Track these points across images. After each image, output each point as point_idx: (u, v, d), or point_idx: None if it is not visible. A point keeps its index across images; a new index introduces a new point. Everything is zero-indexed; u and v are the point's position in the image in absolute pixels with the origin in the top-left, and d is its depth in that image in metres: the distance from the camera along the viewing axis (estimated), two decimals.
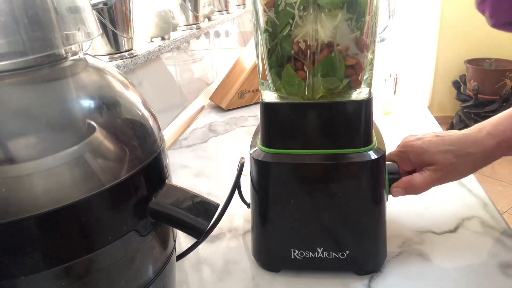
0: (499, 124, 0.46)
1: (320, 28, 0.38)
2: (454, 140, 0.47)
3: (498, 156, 0.46)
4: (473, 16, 2.73)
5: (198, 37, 1.24)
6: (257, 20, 0.40)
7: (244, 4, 2.03)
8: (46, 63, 0.28)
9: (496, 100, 2.60)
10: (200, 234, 0.32)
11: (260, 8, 0.39)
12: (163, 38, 0.97)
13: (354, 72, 0.40)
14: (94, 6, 0.62)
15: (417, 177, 0.46)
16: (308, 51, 0.39)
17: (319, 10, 0.38)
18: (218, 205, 0.34)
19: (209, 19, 1.39)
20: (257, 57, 0.43)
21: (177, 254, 0.42)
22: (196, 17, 1.19)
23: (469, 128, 0.48)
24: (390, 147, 0.49)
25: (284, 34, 0.39)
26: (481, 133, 0.46)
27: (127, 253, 0.30)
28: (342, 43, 0.39)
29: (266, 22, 0.40)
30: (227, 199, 0.45)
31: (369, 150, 0.42)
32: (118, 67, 0.71)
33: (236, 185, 0.46)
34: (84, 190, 0.26)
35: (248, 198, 0.49)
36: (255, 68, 1.08)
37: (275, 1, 0.38)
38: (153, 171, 0.32)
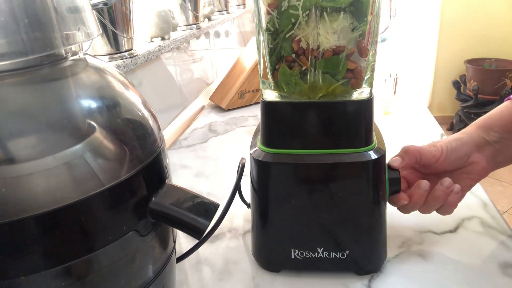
0: (485, 115, 0.51)
1: (322, 29, 0.38)
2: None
3: (482, 141, 0.48)
4: (473, 16, 2.73)
5: (198, 37, 1.24)
6: (259, 19, 0.40)
7: (244, 4, 2.03)
8: (46, 63, 0.28)
9: (496, 100, 2.60)
10: (200, 234, 0.32)
11: (262, 7, 0.39)
12: (163, 38, 0.97)
13: (353, 76, 0.41)
14: (94, 6, 0.62)
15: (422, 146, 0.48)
16: (310, 53, 0.39)
17: (322, 11, 0.37)
18: (218, 205, 0.34)
19: (209, 19, 1.39)
20: (259, 55, 0.43)
21: (177, 256, 0.42)
22: (196, 17, 1.19)
23: None
24: (390, 147, 0.49)
25: (286, 36, 0.39)
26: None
27: (127, 253, 0.30)
28: (343, 45, 0.39)
29: (268, 22, 0.40)
30: (228, 201, 0.45)
31: (369, 150, 0.42)
32: (118, 67, 0.71)
33: (237, 187, 0.46)
34: (84, 190, 0.26)
35: (248, 198, 0.49)
36: (255, 68, 1.08)
37: (279, 3, 0.38)
38: (153, 171, 0.32)
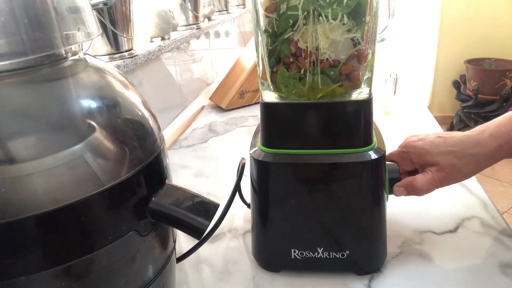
0: (502, 126, 0.46)
1: (320, 29, 0.38)
2: (456, 141, 0.46)
3: (501, 158, 0.46)
4: (473, 16, 2.73)
5: (198, 37, 1.24)
6: (257, 20, 0.40)
7: (244, 4, 2.03)
8: (46, 63, 0.28)
9: (496, 100, 2.60)
10: (200, 234, 0.32)
11: (260, 9, 0.39)
12: (163, 38, 0.97)
13: (350, 79, 0.41)
14: (94, 6, 0.62)
15: (419, 178, 0.46)
16: (308, 55, 0.39)
17: (321, 9, 0.38)
18: (218, 205, 0.34)
19: (209, 19, 1.39)
20: (257, 57, 0.43)
21: (177, 256, 0.42)
22: (196, 17, 1.19)
23: (472, 130, 0.47)
24: (390, 147, 0.49)
25: (285, 37, 0.39)
26: (483, 134, 0.46)
27: (127, 253, 0.30)
28: (341, 49, 0.39)
29: (267, 24, 0.40)
30: (228, 201, 0.45)
31: (369, 150, 0.42)
32: (118, 67, 0.71)
33: (237, 187, 0.46)
34: (84, 190, 0.26)
35: (248, 198, 0.49)
36: (255, 68, 1.08)
37: (277, 5, 0.38)
38: (153, 171, 0.32)
